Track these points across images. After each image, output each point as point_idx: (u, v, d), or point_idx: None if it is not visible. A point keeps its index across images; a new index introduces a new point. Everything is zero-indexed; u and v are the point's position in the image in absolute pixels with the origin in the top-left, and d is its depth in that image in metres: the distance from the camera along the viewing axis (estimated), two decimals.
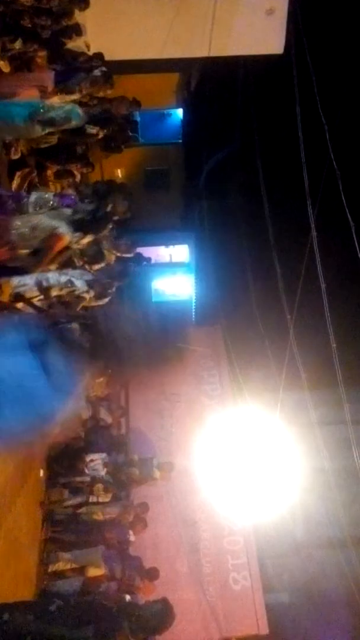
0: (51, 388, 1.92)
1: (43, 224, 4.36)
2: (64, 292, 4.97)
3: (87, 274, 5.31)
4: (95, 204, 5.24)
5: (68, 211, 4.66)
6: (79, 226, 4.65)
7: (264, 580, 9.09)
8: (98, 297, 5.48)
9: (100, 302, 5.54)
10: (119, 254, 6.63)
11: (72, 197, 5.18)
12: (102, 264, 5.87)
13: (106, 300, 5.71)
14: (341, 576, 10.57)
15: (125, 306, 2.71)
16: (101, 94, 6.55)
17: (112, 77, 6.62)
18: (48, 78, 5.65)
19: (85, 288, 5.16)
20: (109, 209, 5.40)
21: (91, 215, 4.80)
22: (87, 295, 5.20)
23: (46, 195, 4.90)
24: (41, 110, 5.09)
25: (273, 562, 10.37)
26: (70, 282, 4.97)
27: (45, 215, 4.48)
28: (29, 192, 5.11)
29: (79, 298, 5.09)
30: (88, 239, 4.87)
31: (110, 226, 5.37)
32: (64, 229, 4.41)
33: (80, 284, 5.13)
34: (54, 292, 4.91)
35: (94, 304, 5.51)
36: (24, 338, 1.98)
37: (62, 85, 5.98)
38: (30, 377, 1.92)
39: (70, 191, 6.56)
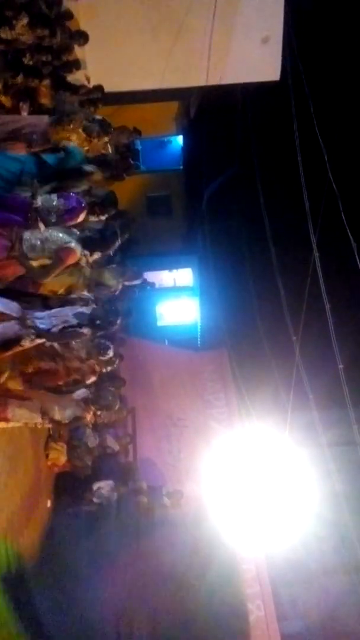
0: None
1: (54, 237, 4.40)
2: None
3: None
4: (103, 224, 5.38)
5: (76, 230, 4.73)
6: (87, 244, 4.76)
7: (278, 609, 8.86)
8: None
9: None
10: (126, 282, 6.66)
11: (74, 196, 5.12)
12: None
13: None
14: (357, 602, 10.31)
15: None
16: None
17: (110, 126, 6.68)
18: (41, 122, 5.45)
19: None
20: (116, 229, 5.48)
21: (99, 234, 4.93)
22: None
23: (50, 197, 4.91)
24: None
25: (286, 589, 10.12)
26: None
27: (55, 229, 4.52)
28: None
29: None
30: (96, 256, 4.97)
31: (118, 243, 5.42)
32: (75, 244, 4.47)
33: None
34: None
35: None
36: None
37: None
38: None
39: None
